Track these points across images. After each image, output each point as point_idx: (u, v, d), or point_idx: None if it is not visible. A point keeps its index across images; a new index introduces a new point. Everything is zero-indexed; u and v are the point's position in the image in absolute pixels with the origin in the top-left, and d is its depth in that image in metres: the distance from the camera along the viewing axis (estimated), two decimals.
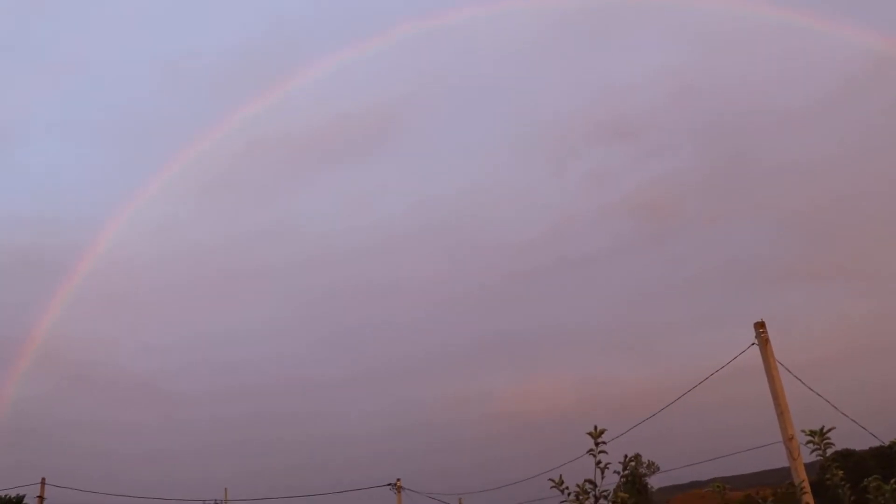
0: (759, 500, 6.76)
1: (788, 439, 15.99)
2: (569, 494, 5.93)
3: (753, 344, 17.32)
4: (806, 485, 14.42)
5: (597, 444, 5.75)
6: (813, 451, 6.10)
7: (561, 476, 6.01)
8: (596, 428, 5.76)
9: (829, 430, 6.11)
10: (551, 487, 6.04)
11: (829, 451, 6.14)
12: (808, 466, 16.08)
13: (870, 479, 5.98)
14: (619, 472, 6.03)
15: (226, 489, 50.89)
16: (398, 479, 42.66)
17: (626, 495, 6.04)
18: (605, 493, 5.94)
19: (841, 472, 6.25)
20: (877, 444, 14.00)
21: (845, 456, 40.71)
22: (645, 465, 56.09)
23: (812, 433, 6.06)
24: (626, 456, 5.92)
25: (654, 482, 59.80)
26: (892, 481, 6.08)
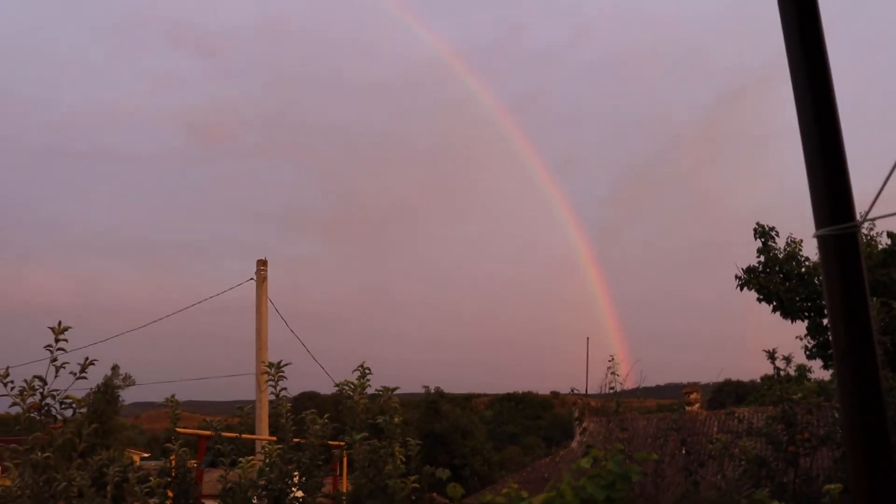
0: (213, 424, 7.11)
1: (262, 373, 17.10)
2: (12, 389, 5.59)
3: (251, 279, 18.15)
4: (264, 416, 15.58)
5: (57, 341, 5.51)
6: (268, 380, 6.61)
7: (8, 368, 5.63)
8: (60, 324, 5.51)
9: (286, 365, 6.65)
10: None
11: (283, 384, 6.65)
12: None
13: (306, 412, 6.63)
14: (75, 374, 5.85)
15: None
16: None
17: (78, 398, 5.90)
18: (54, 392, 5.72)
19: (288, 406, 6.80)
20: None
21: (311, 398, 44.83)
22: (121, 378, 54.84)
23: (270, 364, 6.54)
24: (86, 358, 5.77)
25: (128, 396, 58.99)
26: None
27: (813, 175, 1.96)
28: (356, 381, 6.36)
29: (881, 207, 2.02)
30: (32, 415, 5.60)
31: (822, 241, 1.96)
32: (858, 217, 1.99)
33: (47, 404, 5.68)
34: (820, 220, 1.94)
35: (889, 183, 2.01)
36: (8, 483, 5.76)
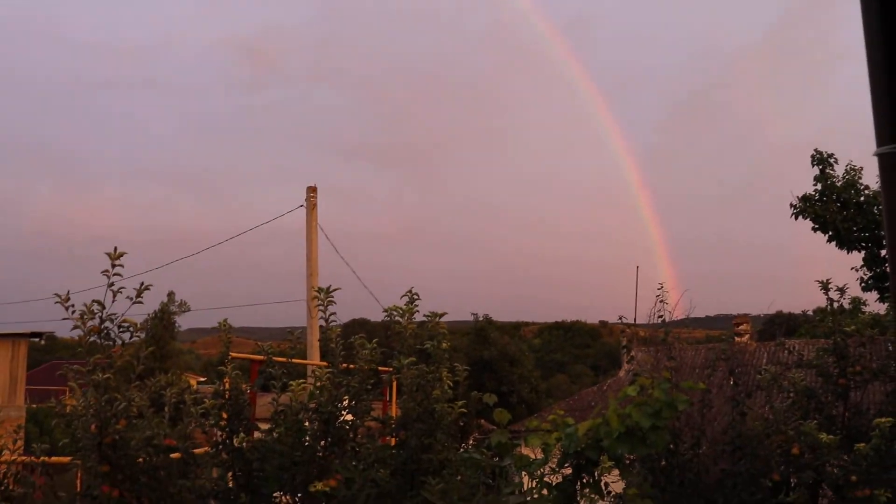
0: (265, 349, 7.25)
1: (312, 299, 17.41)
2: (73, 312, 5.77)
3: (301, 206, 18.34)
4: (315, 341, 15.90)
5: (113, 266, 5.65)
6: (317, 306, 6.68)
7: (68, 293, 5.80)
8: (115, 250, 5.64)
9: (335, 290, 6.70)
10: (56, 303, 5.81)
11: (332, 309, 6.72)
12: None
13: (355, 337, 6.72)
14: (131, 299, 6.01)
15: None
16: None
17: (135, 322, 6.07)
18: (112, 316, 5.89)
19: (338, 331, 6.90)
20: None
21: (361, 324, 45.51)
22: (177, 304, 56.41)
23: (320, 290, 6.59)
24: (142, 283, 5.91)
25: (184, 322, 60.76)
26: None
27: (876, 90, 1.86)
28: (404, 307, 6.42)
29: None
30: (92, 338, 5.78)
31: (883, 160, 1.88)
32: None
33: (106, 328, 5.85)
34: (881, 138, 1.86)
35: None
36: (74, 402, 6.00)
